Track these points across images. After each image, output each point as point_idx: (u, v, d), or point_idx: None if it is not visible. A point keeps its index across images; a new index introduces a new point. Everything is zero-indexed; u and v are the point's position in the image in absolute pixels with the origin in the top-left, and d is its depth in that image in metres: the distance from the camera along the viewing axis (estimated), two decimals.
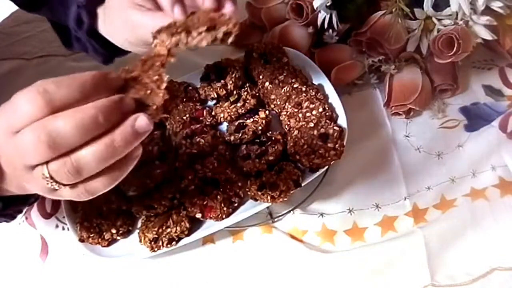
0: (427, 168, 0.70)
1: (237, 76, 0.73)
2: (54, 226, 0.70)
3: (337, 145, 0.63)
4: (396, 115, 0.74)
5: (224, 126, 0.72)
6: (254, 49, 0.75)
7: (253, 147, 0.66)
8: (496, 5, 0.68)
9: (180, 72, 0.78)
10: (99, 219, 0.64)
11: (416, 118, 0.75)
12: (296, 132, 0.66)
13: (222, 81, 0.72)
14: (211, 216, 0.62)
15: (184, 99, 0.74)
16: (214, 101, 0.74)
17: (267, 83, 0.72)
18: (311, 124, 0.66)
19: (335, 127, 0.65)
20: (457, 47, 0.69)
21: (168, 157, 0.67)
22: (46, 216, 0.71)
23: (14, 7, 0.70)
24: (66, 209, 0.67)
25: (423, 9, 0.70)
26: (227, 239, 0.66)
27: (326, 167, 0.65)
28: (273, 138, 0.67)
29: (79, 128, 0.34)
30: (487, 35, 0.70)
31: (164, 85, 0.39)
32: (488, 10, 0.69)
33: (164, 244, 0.61)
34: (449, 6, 0.69)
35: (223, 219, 0.62)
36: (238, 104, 0.71)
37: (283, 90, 0.71)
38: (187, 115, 0.71)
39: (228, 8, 0.48)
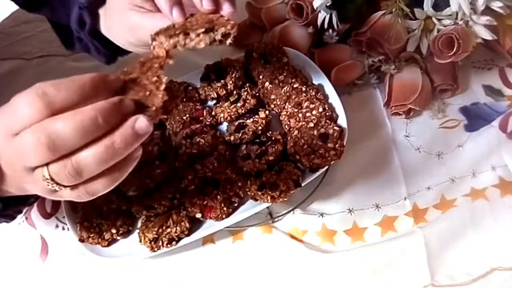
0: (427, 168, 0.70)
1: (237, 76, 0.73)
2: (54, 226, 0.70)
3: (337, 145, 0.63)
4: (396, 115, 0.74)
5: (224, 126, 0.72)
6: (254, 49, 0.75)
7: (253, 147, 0.66)
8: (496, 5, 0.68)
9: (180, 72, 0.78)
10: (99, 219, 0.64)
11: (416, 118, 0.75)
12: (296, 132, 0.66)
13: (222, 81, 0.72)
14: (211, 216, 0.62)
15: (184, 99, 0.74)
16: (214, 101, 0.74)
17: (267, 83, 0.72)
18: (311, 124, 0.66)
19: (335, 127, 0.65)
20: (457, 47, 0.69)
21: (168, 157, 0.67)
22: (46, 216, 0.71)
23: (14, 7, 0.70)
24: (66, 209, 0.67)
25: (423, 9, 0.70)
26: (227, 239, 0.66)
27: (326, 167, 0.65)
28: (273, 138, 0.67)
29: (79, 130, 0.34)
30: (487, 35, 0.70)
31: (163, 87, 0.39)
32: (488, 10, 0.69)
33: (164, 244, 0.61)
34: (449, 6, 0.69)
35: (223, 219, 0.62)
36: (238, 104, 0.71)
37: (283, 90, 0.71)
38: (187, 115, 0.71)
39: (226, 10, 0.48)
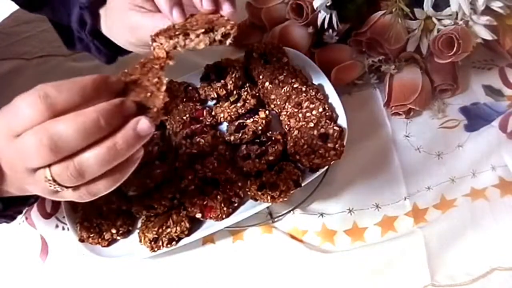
0: (427, 168, 0.70)
1: (237, 76, 0.73)
2: (54, 226, 0.70)
3: (337, 145, 0.64)
4: (396, 115, 0.74)
5: (224, 126, 0.72)
6: (254, 49, 0.75)
7: (253, 147, 0.66)
8: (496, 5, 0.68)
9: (180, 72, 0.78)
10: (99, 219, 0.64)
11: (416, 118, 0.75)
12: (296, 132, 0.66)
13: (222, 81, 0.72)
14: (211, 216, 0.62)
15: (184, 99, 0.74)
16: (214, 101, 0.74)
17: (267, 83, 0.72)
18: (311, 124, 0.66)
19: (335, 127, 0.65)
20: (457, 47, 0.69)
21: (168, 157, 0.67)
22: (46, 216, 0.71)
23: (14, 7, 0.70)
24: (66, 209, 0.67)
25: (423, 9, 0.70)
26: (227, 239, 0.66)
27: (326, 167, 0.65)
28: (273, 138, 0.67)
29: (81, 131, 0.34)
30: (487, 35, 0.70)
31: (164, 88, 0.39)
32: (488, 10, 0.69)
33: (164, 244, 0.61)
34: (449, 6, 0.69)
35: (223, 219, 0.62)
36: (238, 104, 0.71)
37: (283, 90, 0.71)
38: (187, 115, 0.71)
39: (226, 10, 0.48)
